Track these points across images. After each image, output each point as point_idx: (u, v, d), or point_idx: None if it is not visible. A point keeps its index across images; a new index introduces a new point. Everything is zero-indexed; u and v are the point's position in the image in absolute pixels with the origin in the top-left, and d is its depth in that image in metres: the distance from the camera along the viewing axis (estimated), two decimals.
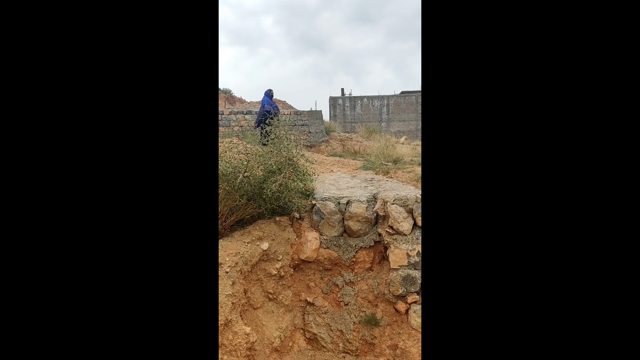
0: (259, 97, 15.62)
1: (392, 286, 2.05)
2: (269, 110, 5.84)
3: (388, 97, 21.12)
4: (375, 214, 2.28)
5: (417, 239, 2.07)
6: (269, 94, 6.30)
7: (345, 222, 2.30)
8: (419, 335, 1.92)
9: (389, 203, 2.13)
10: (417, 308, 1.98)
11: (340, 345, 2.12)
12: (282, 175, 2.15)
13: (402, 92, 21.91)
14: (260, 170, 2.23)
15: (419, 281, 2.02)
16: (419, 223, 2.07)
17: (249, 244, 2.09)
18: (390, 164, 6.05)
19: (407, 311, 2.03)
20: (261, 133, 4.19)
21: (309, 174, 2.51)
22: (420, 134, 20.95)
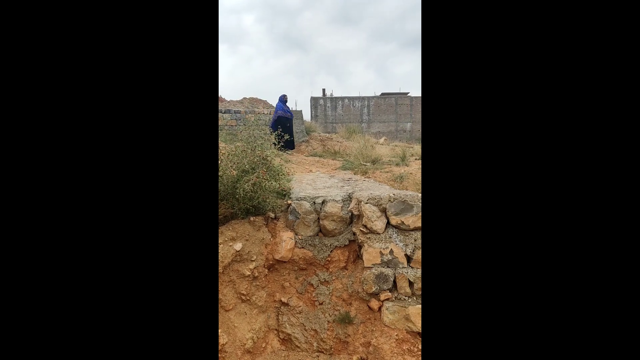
0: (239, 96, 15.38)
1: (366, 284, 2.07)
2: (281, 115, 5.94)
3: (369, 98, 21.38)
4: (350, 213, 2.30)
5: (389, 237, 2.10)
6: (282, 99, 6.32)
7: (321, 222, 2.30)
8: (391, 332, 1.95)
9: (362, 202, 2.15)
10: (390, 305, 2.01)
11: (315, 344, 2.12)
12: (255, 174, 2.13)
13: (382, 94, 22.24)
14: (234, 170, 2.19)
15: (392, 279, 2.06)
16: (392, 222, 2.10)
17: (221, 245, 2.06)
18: (368, 164, 6.12)
19: (379, 308, 2.06)
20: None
21: (284, 174, 2.50)
22: (399, 135, 21.31)
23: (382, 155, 7.42)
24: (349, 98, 20.81)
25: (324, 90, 22.57)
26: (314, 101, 20.37)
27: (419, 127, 22.48)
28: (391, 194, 2.14)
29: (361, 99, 20.90)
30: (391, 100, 21.44)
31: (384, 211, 2.12)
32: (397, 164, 5.86)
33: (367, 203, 2.14)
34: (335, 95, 21.15)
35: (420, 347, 1.89)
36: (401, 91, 22.23)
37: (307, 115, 16.90)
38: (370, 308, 2.09)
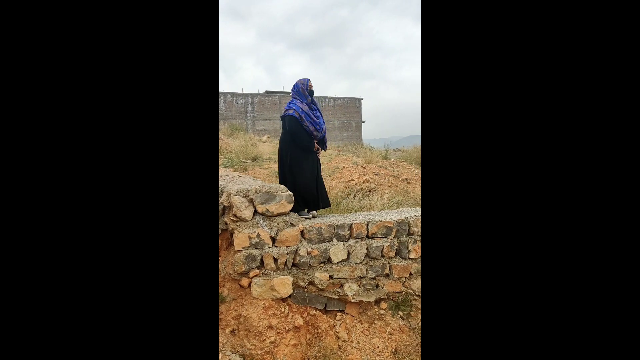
0: None
1: (237, 266, 2.37)
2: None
3: (252, 95, 21.32)
4: (222, 206, 2.54)
5: (257, 223, 2.45)
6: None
7: None
8: (259, 302, 2.30)
9: (232, 194, 2.43)
10: (257, 280, 2.37)
11: None
12: None
13: (267, 92, 22.54)
14: None
15: (259, 258, 2.41)
16: (259, 210, 2.45)
17: None
18: (249, 161, 6.37)
19: (249, 284, 2.39)
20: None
21: None
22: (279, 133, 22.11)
23: (264, 152, 7.77)
24: (232, 94, 20.33)
25: None
26: None
27: None
28: (257, 186, 2.48)
29: (245, 95, 20.72)
30: (275, 98, 21.96)
31: (251, 201, 2.45)
32: (276, 161, 6.31)
33: (236, 195, 2.42)
34: (220, 90, 20.35)
35: (283, 310, 2.31)
36: (284, 90, 23.06)
37: None
38: (241, 286, 2.39)
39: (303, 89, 2.74)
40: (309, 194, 2.70)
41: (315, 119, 2.71)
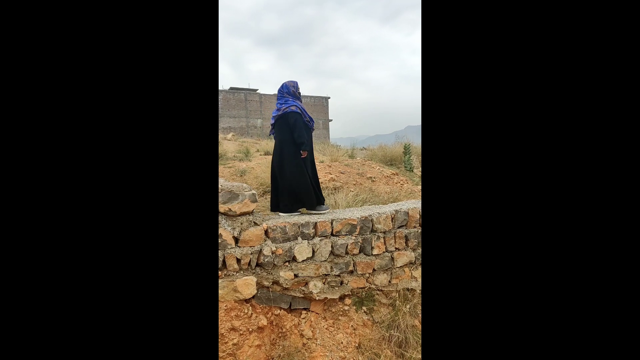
0: None
1: None
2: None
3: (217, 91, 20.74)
4: None
5: (219, 223, 2.38)
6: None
7: None
8: (222, 304, 2.24)
9: None
10: (220, 282, 2.30)
11: None
12: None
13: (231, 88, 21.99)
14: None
15: (222, 259, 2.35)
16: (221, 210, 2.38)
17: None
18: None
19: None
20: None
21: None
22: (250, 131, 21.70)
23: (229, 151, 7.57)
24: None
25: None
26: None
27: (268, 123, 23.55)
28: (220, 186, 2.41)
29: None
30: (240, 95, 21.49)
31: None
32: (241, 160, 6.16)
33: None
34: None
35: (246, 311, 2.27)
36: (250, 87, 22.63)
37: None
38: None
39: (294, 91, 2.84)
40: (306, 192, 2.76)
41: (309, 117, 2.86)
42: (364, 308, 2.60)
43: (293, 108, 2.72)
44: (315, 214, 2.81)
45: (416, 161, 7.01)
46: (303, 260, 2.51)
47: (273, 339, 2.28)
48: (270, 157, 6.57)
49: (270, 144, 9.18)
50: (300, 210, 2.87)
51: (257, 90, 22.65)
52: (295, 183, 2.73)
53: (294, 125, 2.70)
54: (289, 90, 2.83)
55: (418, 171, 6.23)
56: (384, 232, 2.74)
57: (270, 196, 2.94)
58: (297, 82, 2.89)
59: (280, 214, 2.80)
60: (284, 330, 2.32)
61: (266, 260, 2.41)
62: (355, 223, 2.65)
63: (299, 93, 2.88)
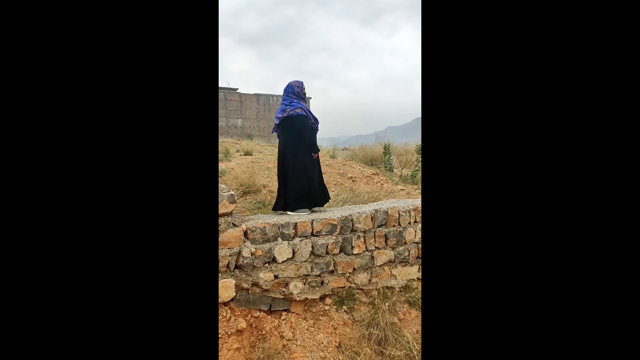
0: None
1: None
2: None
3: None
4: None
5: None
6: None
7: None
8: None
9: None
10: None
11: None
12: None
13: None
14: None
15: None
16: None
17: None
18: None
19: None
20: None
21: None
22: (230, 131, 21.35)
23: None
24: None
25: None
26: None
27: (249, 123, 23.25)
28: None
29: None
30: (220, 94, 21.12)
31: None
32: (221, 160, 6.05)
33: None
34: None
35: (224, 314, 2.22)
36: (230, 86, 22.27)
37: None
38: None
39: (299, 91, 2.86)
40: (312, 190, 2.84)
41: (314, 118, 2.90)
42: (345, 307, 2.61)
43: (299, 111, 2.76)
44: (321, 211, 2.93)
45: (396, 161, 7.13)
46: (283, 261, 2.49)
47: (252, 341, 2.25)
48: (250, 158, 6.49)
49: (250, 144, 9.06)
50: (305, 208, 2.91)
51: (237, 89, 22.34)
52: (300, 182, 2.78)
53: (302, 128, 2.76)
54: (294, 91, 2.85)
55: (398, 171, 6.34)
56: (364, 232, 2.77)
57: (276, 196, 2.98)
58: (302, 82, 2.89)
59: (289, 212, 2.84)
60: (263, 332, 2.29)
61: (245, 262, 2.37)
62: (335, 223, 2.66)
63: (304, 93, 2.91)
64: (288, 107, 2.79)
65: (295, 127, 2.76)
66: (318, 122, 2.93)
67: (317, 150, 2.84)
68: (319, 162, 2.99)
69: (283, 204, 2.87)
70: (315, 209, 2.95)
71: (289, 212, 2.85)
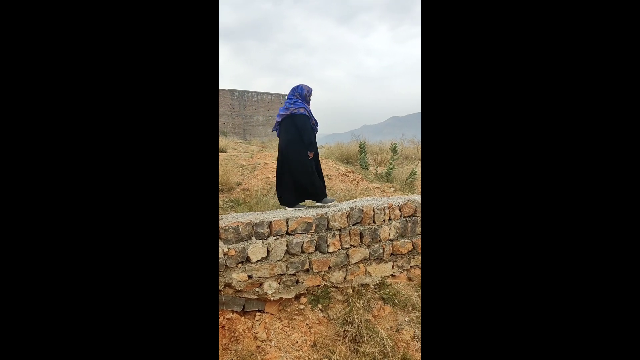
0: None
1: None
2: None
3: None
4: None
5: None
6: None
7: None
8: None
9: None
10: None
11: None
12: None
13: None
14: None
15: None
16: None
17: None
18: None
19: None
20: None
21: None
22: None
23: None
24: None
25: None
26: None
27: (223, 120, 22.67)
28: None
29: None
30: None
31: None
32: None
33: None
34: None
35: None
36: None
37: None
38: None
39: (306, 94, 2.99)
40: (312, 186, 2.92)
41: (315, 120, 3.01)
42: (320, 306, 2.60)
43: (302, 110, 2.86)
44: (321, 206, 3.00)
45: (371, 159, 7.22)
46: (257, 261, 2.44)
47: (225, 343, 2.19)
48: (224, 155, 6.32)
49: (224, 142, 8.82)
50: (302, 204, 3.02)
51: None
52: (299, 178, 2.87)
53: (303, 127, 2.84)
54: (302, 93, 2.95)
55: (373, 169, 6.42)
56: (340, 230, 2.76)
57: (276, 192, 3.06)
58: (312, 89, 3.05)
59: (287, 208, 2.94)
60: (236, 334, 2.23)
61: (218, 262, 2.30)
62: (310, 221, 2.64)
63: (309, 100, 3.04)
64: (292, 105, 2.88)
65: (297, 126, 2.85)
66: (317, 125, 3.04)
67: (312, 149, 2.92)
68: (318, 160, 3.09)
69: (282, 200, 2.99)
70: (319, 203, 3.03)
71: (287, 208, 2.95)
